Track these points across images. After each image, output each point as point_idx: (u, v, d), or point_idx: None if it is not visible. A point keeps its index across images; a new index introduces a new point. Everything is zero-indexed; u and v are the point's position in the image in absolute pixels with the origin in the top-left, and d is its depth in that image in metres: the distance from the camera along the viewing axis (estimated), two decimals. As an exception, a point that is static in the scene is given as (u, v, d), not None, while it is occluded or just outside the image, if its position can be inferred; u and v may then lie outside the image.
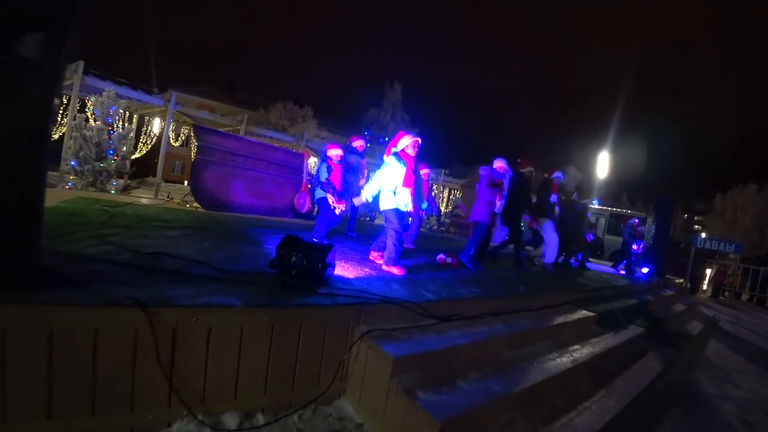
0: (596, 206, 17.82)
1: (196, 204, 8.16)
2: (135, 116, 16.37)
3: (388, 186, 4.17)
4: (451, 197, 23.97)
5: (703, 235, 38.30)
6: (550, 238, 7.13)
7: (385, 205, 4.23)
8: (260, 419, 2.37)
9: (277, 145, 14.52)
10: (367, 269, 4.04)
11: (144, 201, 8.05)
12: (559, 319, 4.08)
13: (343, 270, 3.71)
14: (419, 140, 4.36)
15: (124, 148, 10.25)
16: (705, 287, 15.12)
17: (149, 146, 18.57)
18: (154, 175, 14.37)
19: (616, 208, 19.61)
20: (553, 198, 7.13)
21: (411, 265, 4.70)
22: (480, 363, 2.84)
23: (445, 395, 2.33)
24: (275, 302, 2.48)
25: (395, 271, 4.10)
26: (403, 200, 4.17)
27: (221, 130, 10.87)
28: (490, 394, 2.47)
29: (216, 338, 2.22)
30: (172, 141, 18.35)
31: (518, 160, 6.68)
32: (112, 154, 9.52)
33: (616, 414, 2.95)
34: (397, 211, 4.19)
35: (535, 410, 2.65)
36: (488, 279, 4.82)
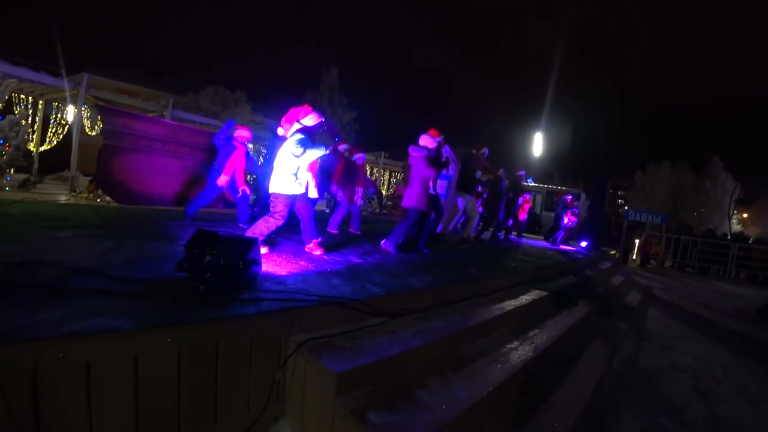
0: (532, 184, 18.31)
1: (108, 198, 7.16)
2: (41, 102, 14.32)
3: (290, 168, 3.65)
4: (392, 180, 23.78)
5: (626, 207, 41.21)
6: (473, 213, 7.44)
7: (279, 188, 3.66)
8: (172, 468, 1.85)
9: (194, 126, 13.37)
10: (303, 262, 3.53)
11: (46, 198, 6.93)
12: (515, 303, 3.82)
13: (275, 266, 3.18)
14: (323, 120, 3.84)
15: (18, 137, 8.89)
16: (634, 257, 16.01)
17: (60, 137, 16.29)
18: (68, 168, 12.76)
19: (550, 185, 20.26)
20: (479, 174, 7.24)
21: (354, 254, 4.25)
22: (439, 364, 2.46)
23: (403, 414, 1.91)
24: (181, 318, 1.93)
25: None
26: (305, 185, 3.71)
27: (126, 110, 9.70)
28: (456, 404, 2.08)
29: (99, 376, 1.64)
30: (87, 130, 16.41)
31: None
32: (2, 143, 8.19)
33: (586, 403, 2.71)
34: (294, 197, 3.72)
35: (503, 412, 2.33)
36: (437, 263, 4.49)
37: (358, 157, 6.65)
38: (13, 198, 6.00)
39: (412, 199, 4.94)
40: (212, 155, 8.30)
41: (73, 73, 12.76)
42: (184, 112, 18.34)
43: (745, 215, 49.08)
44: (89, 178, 10.43)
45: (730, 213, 39.42)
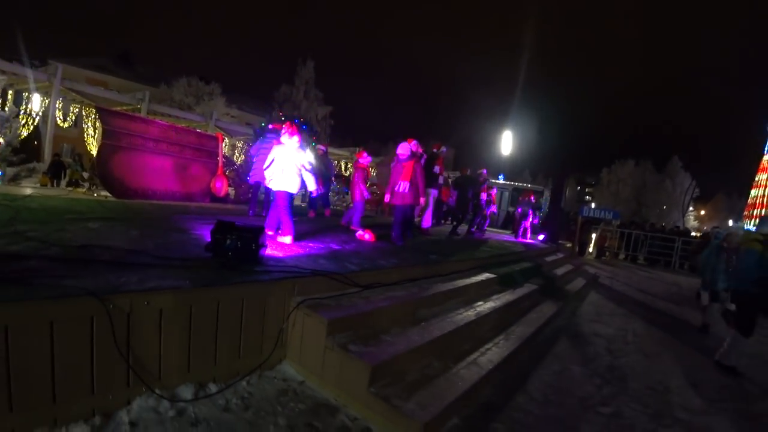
0: (501, 181, 19.42)
1: (105, 193, 7.75)
2: (9, 93, 14.29)
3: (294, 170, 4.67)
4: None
5: (593, 205, 43.19)
6: (430, 205, 8.34)
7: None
8: (212, 388, 2.65)
9: (183, 125, 13.82)
10: (295, 248, 4.35)
11: (46, 192, 7.48)
12: (466, 282, 4.74)
13: (274, 250, 3.99)
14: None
15: (10, 133, 9.31)
16: (591, 250, 17.35)
17: (30, 128, 16.06)
18: (39, 161, 12.93)
19: (517, 182, 21.44)
20: (436, 169, 8.05)
21: (334, 242, 5.09)
22: (401, 321, 3.34)
23: (373, 347, 2.79)
24: (218, 282, 2.73)
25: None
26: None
27: (122, 110, 10.19)
28: (410, 343, 2.98)
29: (167, 319, 2.44)
30: (59, 122, 16.49)
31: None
32: (-4, 141, 8.64)
33: (511, 352, 3.64)
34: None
35: (447, 354, 3.22)
36: (404, 250, 5.38)
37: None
38: (18, 193, 6.56)
39: (406, 197, 5.90)
40: (199, 153, 8.97)
41: (37, 60, 12.63)
42: (159, 105, 18.60)
43: (702, 212, 51.92)
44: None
45: (685, 209, 41.77)
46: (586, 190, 62.72)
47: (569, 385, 3.53)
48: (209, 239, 3.19)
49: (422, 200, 6.18)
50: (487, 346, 3.63)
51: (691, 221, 46.86)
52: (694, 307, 7.89)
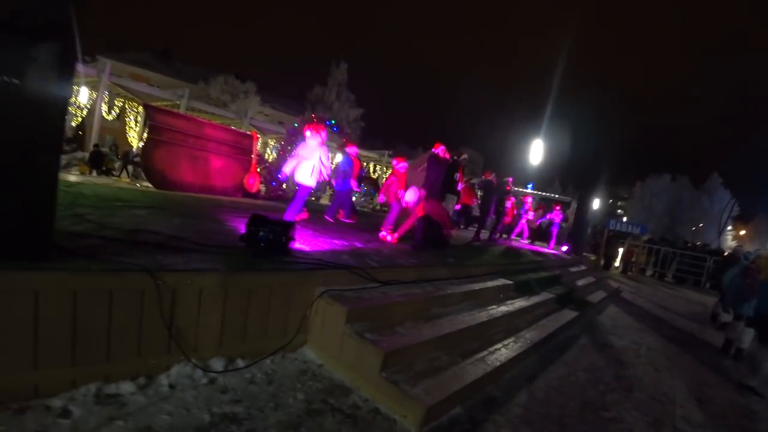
0: (529, 191, 19.35)
1: (146, 184, 8.29)
2: None
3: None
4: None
5: (624, 219, 42.17)
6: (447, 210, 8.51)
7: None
8: (240, 363, 2.96)
9: (219, 122, 14.41)
10: (320, 242, 4.65)
11: (92, 180, 8.07)
12: (481, 285, 4.93)
13: (301, 244, 4.30)
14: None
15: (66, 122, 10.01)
16: (617, 264, 17.08)
17: (78, 119, 17.08)
18: (83, 150, 13.71)
19: (546, 192, 21.29)
20: (457, 176, 8.11)
21: (357, 241, 5.37)
22: (414, 316, 3.58)
23: (387, 336, 3.04)
24: (251, 268, 3.05)
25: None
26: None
27: (163, 106, 10.83)
28: (422, 336, 3.22)
29: (205, 297, 2.76)
30: (104, 114, 17.43)
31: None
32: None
33: (518, 353, 3.82)
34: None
35: (456, 350, 3.44)
36: (423, 252, 5.60)
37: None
38: (70, 180, 7.13)
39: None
40: (235, 149, 9.43)
41: (88, 55, 13.50)
42: (197, 102, 19.39)
43: (743, 232, 49.85)
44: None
45: (722, 228, 40.19)
46: (618, 203, 61.18)
47: (573, 389, 3.68)
48: (243, 231, 3.52)
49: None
50: (496, 347, 3.82)
51: (729, 241, 45.06)
52: (715, 327, 7.82)
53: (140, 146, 10.57)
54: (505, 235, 11.85)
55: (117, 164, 12.84)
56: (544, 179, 43.39)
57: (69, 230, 3.22)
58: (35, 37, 2.07)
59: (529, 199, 12.53)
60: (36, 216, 2.26)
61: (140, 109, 18.51)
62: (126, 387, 2.51)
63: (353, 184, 7.83)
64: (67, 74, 2.32)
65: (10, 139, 2.09)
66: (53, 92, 2.20)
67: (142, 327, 2.56)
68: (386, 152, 23.18)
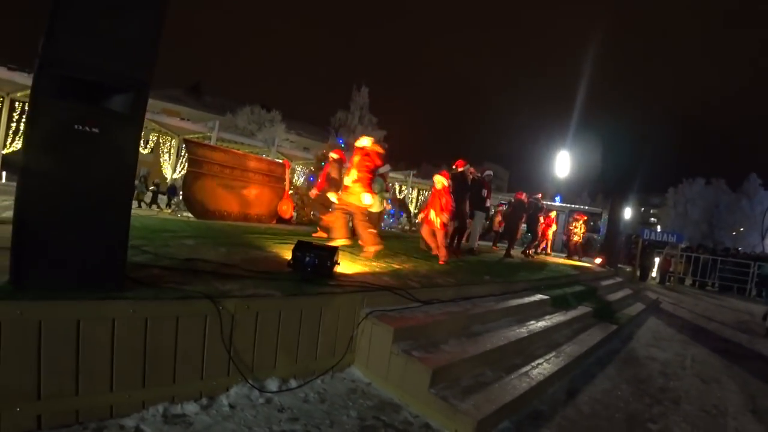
0: (557, 203, 19.16)
1: (187, 214, 8.69)
2: None
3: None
4: (420, 197, 24.92)
5: (659, 228, 40.85)
6: (475, 227, 8.60)
7: None
8: (293, 383, 3.11)
9: (248, 151, 14.98)
10: (359, 266, 4.81)
11: (136, 212, 8.51)
12: (519, 301, 4.98)
13: (343, 268, 4.47)
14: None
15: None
16: (654, 275, 16.62)
17: None
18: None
19: (575, 204, 21.01)
20: (484, 192, 8.35)
21: (394, 262, 5.50)
22: (457, 333, 3.67)
23: (433, 354, 3.15)
24: (300, 293, 3.23)
25: None
26: None
27: (195, 139, 11.37)
28: (466, 353, 3.31)
29: (261, 321, 2.95)
30: (141, 149, 18.36)
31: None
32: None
33: (561, 368, 3.84)
34: None
35: (499, 365, 3.50)
36: (459, 270, 5.69)
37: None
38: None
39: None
40: (268, 178, 9.80)
41: None
42: (226, 132, 20.23)
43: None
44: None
45: (765, 231, 38.42)
46: (651, 211, 59.44)
47: (618, 402, 3.67)
48: (286, 256, 3.72)
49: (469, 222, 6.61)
50: (538, 362, 3.86)
51: (773, 245, 42.99)
52: (764, 336, 7.53)
53: (180, 178, 11.15)
54: (544, 251, 11.85)
55: (146, 196, 13.46)
56: (572, 191, 42.67)
57: (131, 261, 3.48)
58: (118, 92, 2.35)
59: (552, 214, 12.46)
60: (115, 252, 2.51)
61: (174, 142, 19.51)
62: (190, 407, 2.69)
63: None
64: (139, 124, 2.60)
65: (94, 185, 2.35)
66: (128, 141, 2.47)
67: (205, 350, 2.75)
68: (411, 173, 23.45)
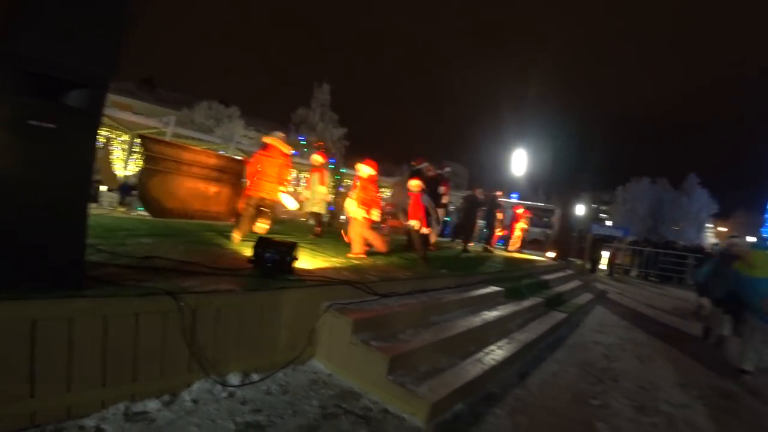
0: (514, 200, 19.83)
1: (142, 212, 8.45)
2: None
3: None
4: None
5: (609, 223, 42.98)
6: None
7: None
8: (255, 377, 3.17)
9: (206, 147, 14.61)
10: (320, 261, 4.90)
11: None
12: (474, 293, 5.23)
13: (304, 263, 4.54)
14: None
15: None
16: (604, 267, 17.56)
17: None
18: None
19: (531, 201, 21.81)
20: (441, 190, 8.44)
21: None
22: (414, 324, 3.85)
23: (391, 343, 3.30)
24: (261, 288, 3.29)
25: None
26: None
27: (149, 134, 10.99)
28: (423, 342, 3.49)
29: (223, 316, 2.99)
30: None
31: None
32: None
33: (512, 353, 4.10)
34: None
35: (455, 352, 3.70)
36: (417, 264, 5.88)
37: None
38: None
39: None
40: (227, 175, 9.65)
41: None
42: (183, 128, 19.59)
43: (724, 229, 51.14)
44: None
45: (702, 226, 41.26)
46: (602, 208, 62.38)
47: (565, 383, 3.97)
48: (247, 253, 3.77)
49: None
50: (491, 348, 4.10)
51: (710, 238, 46.24)
52: (697, 319, 8.20)
53: (135, 175, 10.73)
54: (502, 246, 12.27)
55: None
56: (528, 188, 44.15)
57: (87, 260, 3.41)
58: (76, 87, 2.34)
59: (519, 210, 12.89)
60: (75, 251, 2.49)
61: (125, 137, 18.73)
62: (152, 404, 2.71)
63: None
64: (97, 119, 2.59)
65: (52, 182, 2.34)
66: (86, 137, 2.46)
67: (166, 347, 2.77)
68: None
